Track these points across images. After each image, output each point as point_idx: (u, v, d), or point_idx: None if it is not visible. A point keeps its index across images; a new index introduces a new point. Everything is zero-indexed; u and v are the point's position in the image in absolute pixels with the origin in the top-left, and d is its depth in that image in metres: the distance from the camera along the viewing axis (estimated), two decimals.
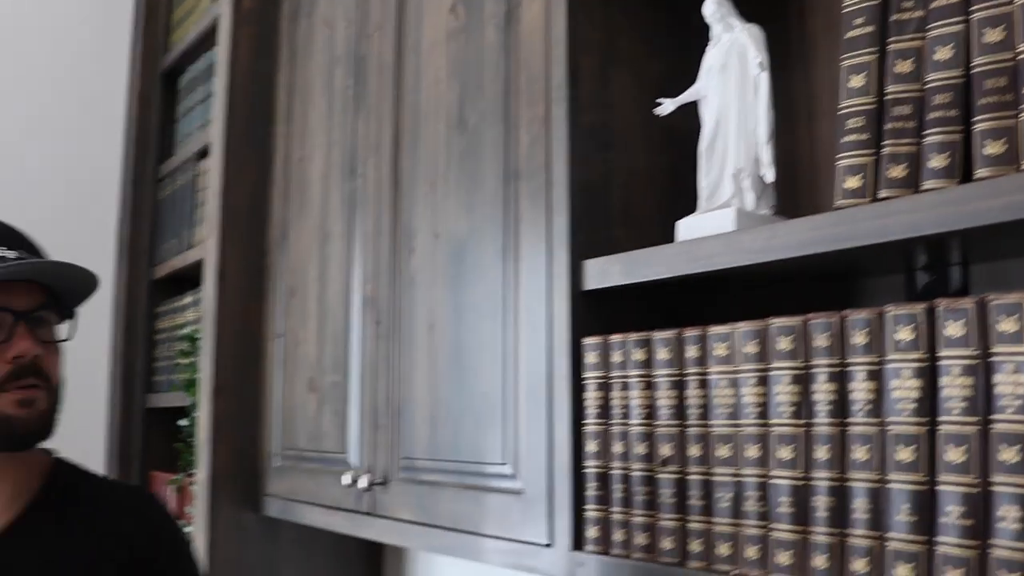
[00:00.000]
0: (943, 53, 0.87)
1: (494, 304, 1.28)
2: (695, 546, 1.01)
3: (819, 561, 0.90)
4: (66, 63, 2.72)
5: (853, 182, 0.93)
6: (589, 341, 1.13)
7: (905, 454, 0.83)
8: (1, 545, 1.16)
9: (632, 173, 1.23)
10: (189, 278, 2.41)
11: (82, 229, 2.67)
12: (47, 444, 1.20)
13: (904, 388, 0.84)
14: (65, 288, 1.20)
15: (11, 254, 1.17)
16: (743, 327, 0.97)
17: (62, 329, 1.23)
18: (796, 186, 1.19)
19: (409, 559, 2.02)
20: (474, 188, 1.35)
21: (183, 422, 2.18)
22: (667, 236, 1.13)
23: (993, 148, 0.82)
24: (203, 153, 2.34)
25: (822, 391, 0.91)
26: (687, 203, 1.16)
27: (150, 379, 2.57)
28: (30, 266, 1.16)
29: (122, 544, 1.22)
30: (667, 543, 1.03)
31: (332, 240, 1.70)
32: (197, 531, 1.92)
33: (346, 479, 1.53)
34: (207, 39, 2.37)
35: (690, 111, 1.16)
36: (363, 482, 1.49)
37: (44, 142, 2.67)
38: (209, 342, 1.93)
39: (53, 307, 1.19)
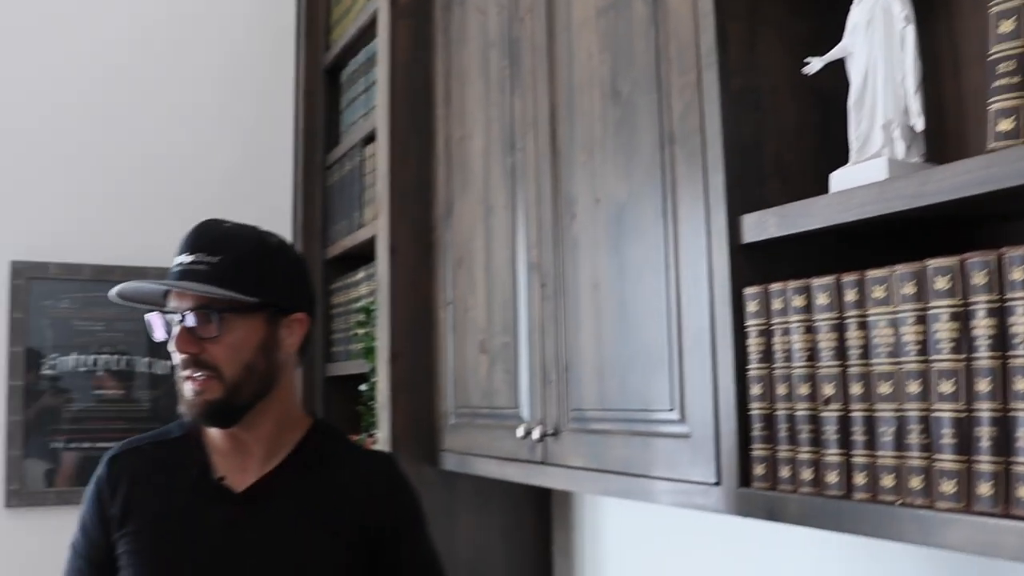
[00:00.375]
0: None
1: (656, 261, 1.36)
2: (860, 479, 1.06)
3: (984, 489, 0.94)
4: (239, 67, 2.96)
5: (1005, 124, 0.96)
6: (750, 291, 1.20)
7: None
8: (250, 497, 1.35)
9: (783, 131, 1.29)
10: (360, 256, 2.59)
11: (261, 216, 2.87)
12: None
13: None
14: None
15: (186, 259, 1.34)
16: (901, 269, 1.02)
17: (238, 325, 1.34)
18: (943, 135, 1.22)
19: (575, 503, 2.13)
20: (631, 154, 1.43)
21: (363, 387, 2.35)
22: (820, 189, 1.19)
23: None
24: (368, 139, 2.51)
25: (981, 327, 0.95)
26: (838, 156, 1.21)
27: (329, 350, 2.78)
28: (163, 281, 1.35)
29: (357, 506, 1.37)
30: (832, 477, 1.09)
31: (495, 212, 1.82)
32: None
33: (520, 432, 1.65)
34: (365, 34, 2.54)
35: (836, 68, 1.20)
36: (536, 434, 1.61)
37: (223, 139, 2.92)
38: (384, 312, 2.09)
39: (215, 305, 1.31)
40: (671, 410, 1.33)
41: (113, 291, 1.37)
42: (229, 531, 1.34)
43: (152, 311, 1.37)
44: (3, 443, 2.63)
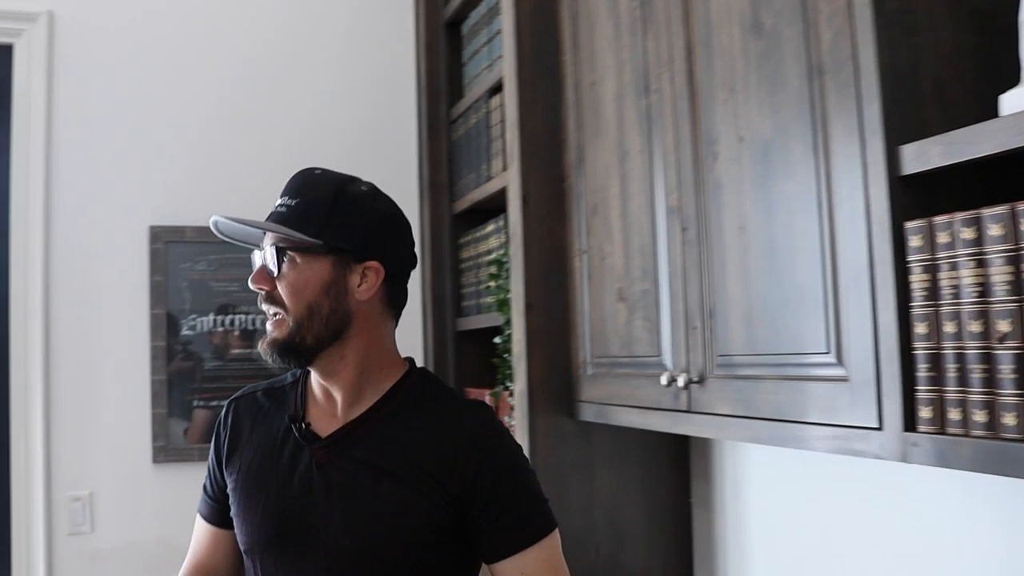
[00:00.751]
0: None
1: (806, 199, 1.31)
2: None
3: None
4: (360, 27, 3.01)
5: None
6: (912, 225, 1.14)
7: None
8: (333, 443, 1.37)
9: (940, 55, 1.21)
10: (488, 209, 2.59)
11: (387, 174, 2.93)
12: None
13: None
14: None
15: (277, 202, 1.39)
16: None
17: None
18: None
19: (715, 453, 2.10)
20: (776, 89, 1.37)
21: (497, 340, 2.37)
22: (982, 115, 1.11)
23: None
24: (493, 91, 2.50)
25: None
26: (1000, 80, 1.13)
27: (459, 304, 2.80)
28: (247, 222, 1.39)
29: (443, 457, 1.33)
30: (1009, 419, 1.04)
31: (631, 156, 1.79)
32: (520, 438, 2.10)
33: (663, 380, 1.62)
34: None
35: None
36: (680, 381, 1.58)
37: (347, 100, 2.97)
38: (518, 263, 2.09)
39: (282, 244, 1.35)
40: (827, 353, 1.28)
41: (212, 224, 1.42)
42: (310, 475, 1.36)
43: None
44: (148, 402, 2.77)
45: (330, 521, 1.34)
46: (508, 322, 2.25)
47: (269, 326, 1.37)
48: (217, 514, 1.50)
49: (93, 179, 2.76)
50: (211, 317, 2.82)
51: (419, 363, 2.80)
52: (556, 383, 2.07)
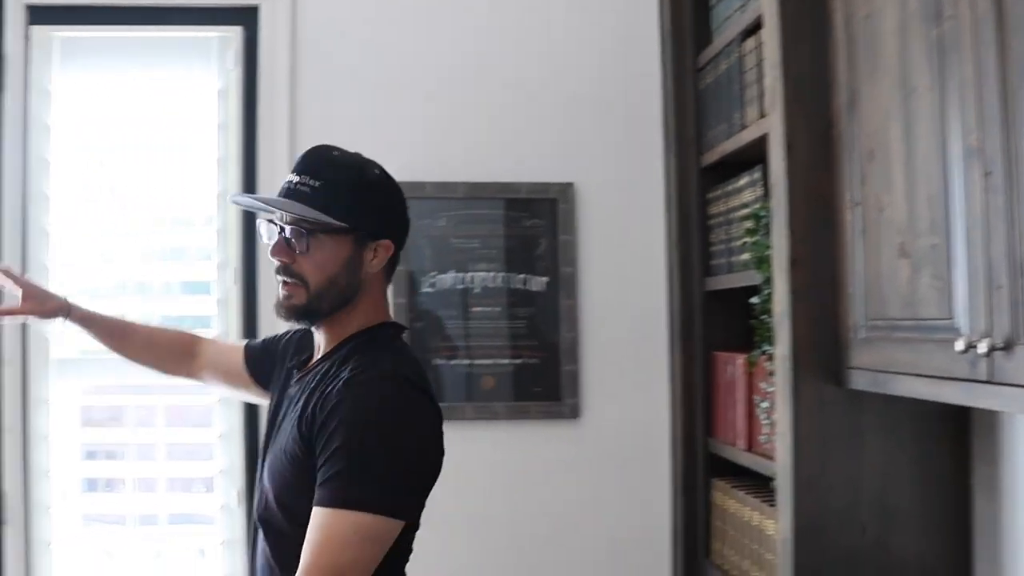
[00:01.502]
0: None
1: None
2: None
3: None
4: None
5: None
6: None
7: None
8: (300, 377, 1.60)
9: None
10: (739, 161, 2.43)
11: (629, 129, 2.84)
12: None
13: None
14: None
15: (294, 179, 1.53)
16: None
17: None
18: None
19: (1004, 433, 1.87)
20: None
21: (754, 300, 2.22)
22: None
23: None
24: (747, 33, 2.33)
25: None
26: None
27: (707, 263, 2.66)
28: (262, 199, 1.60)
29: (323, 394, 1.44)
30: None
31: (917, 95, 1.58)
32: (780, 406, 1.96)
33: (959, 345, 1.43)
34: None
35: None
36: (982, 347, 1.38)
37: (586, 51, 2.89)
38: (781, 216, 1.93)
39: (309, 225, 1.51)
40: None
41: (231, 200, 1.72)
42: (275, 413, 1.62)
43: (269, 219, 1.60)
44: None
45: (269, 444, 1.58)
46: (767, 281, 2.09)
47: (283, 291, 1.54)
48: (253, 362, 1.86)
49: (336, 137, 2.82)
50: (451, 274, 2.83)
51: (663, 326, 2.73)
52: (822, 347, 1.90)
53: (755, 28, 2.25)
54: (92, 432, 2.93)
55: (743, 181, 2.38)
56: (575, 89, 2.86)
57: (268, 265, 1.61)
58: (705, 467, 2.69)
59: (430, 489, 1.50)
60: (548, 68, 2.87)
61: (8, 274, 1.90)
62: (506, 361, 2.82)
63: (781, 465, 1.98)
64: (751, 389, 2.33)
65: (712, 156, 2.59)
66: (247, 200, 1.61)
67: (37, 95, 2.75)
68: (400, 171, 2.78)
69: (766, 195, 2.18)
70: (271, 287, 1.62)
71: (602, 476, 2.82)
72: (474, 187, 2.81)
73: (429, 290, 2.82)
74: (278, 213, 1.54)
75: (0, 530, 2.66)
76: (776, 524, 2.06)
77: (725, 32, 2.49)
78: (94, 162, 2.90)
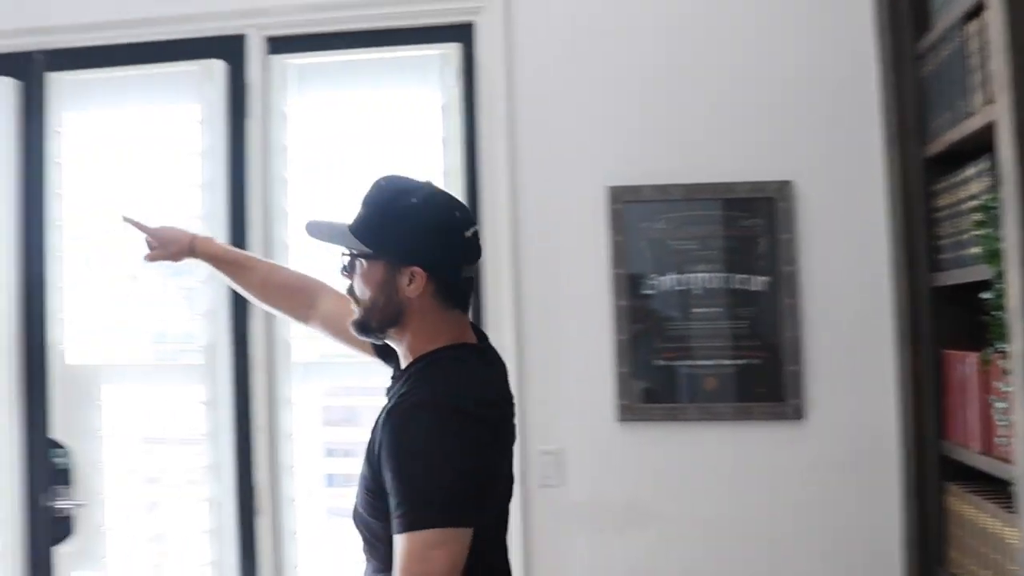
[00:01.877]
0: None
1: None
2: None
3: None
4: None
5: None
6: None
7: None
8: (388, 388, 1.77)
9: None
10: (967, 150, 2.31)
11: (846, 121, 2.77)
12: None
13: None
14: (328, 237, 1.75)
15: (359, 207, 1.72)
16: None
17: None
18: None
19: None
20: None
21: (986, 295, 2.10)
22: None
23: None
24: (969, 16, 2.21)
25: None
26: None
27: (934, 258, 2.54)
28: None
29: (375, 435, 1.62)
30: None
31: None
32: (1018, 406, 1.85)
33: None
34: None
35: None
36: None
37: (798, 44, 2.84)
38: (1013, 206, 1.83)
39: (349, 251, 1.72)
40: None
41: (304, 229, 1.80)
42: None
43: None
44: (612, 361, 2.87)
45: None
46: (1000, 275, 1.98)
47: (351, 306, 1.74)
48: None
49: (554, 145, 2.92)
50: (671, 276, 2.85)
51: (888, 324, 2.64)
52: None
53: (978, 10, 2.14)
54: (331, 431, 3.18)
55: (970, 171, 2.27)
56: (788, 85, 2.82)
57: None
58: (938, 471, 2.57)
59: (487, 488, 1.62)
60: (759, 66, 2.85)
61: (136, 225, 2.15)
62: (728, 362, 2.83)
63: (1021, 468, 1.87)
64: (986, 389, 2.21)
65: (936, 147, 2.47)
66: (305, 225, 1.78)
67: (276, 119, 3.03)
68: (617, 176, 2.91)
69: (995, 185, 2.07)
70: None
71: (827, 479, 2.76)
72: (691, 188, 2.84)
73: (650, 292, 2.86)
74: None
75: (253, 519, 2.95)
76: (1018, 532, 1.95)
77: (945, 16, 2.38)
78: (326, 179, 3.14)
